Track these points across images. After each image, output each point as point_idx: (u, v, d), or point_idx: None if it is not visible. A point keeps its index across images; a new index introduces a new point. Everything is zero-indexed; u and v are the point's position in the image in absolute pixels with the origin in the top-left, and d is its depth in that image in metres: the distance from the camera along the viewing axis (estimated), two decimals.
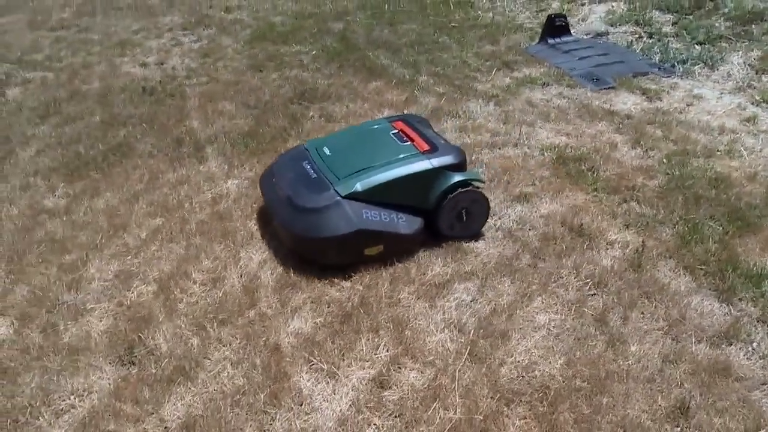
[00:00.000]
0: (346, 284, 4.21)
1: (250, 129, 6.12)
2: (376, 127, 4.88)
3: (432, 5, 9.64)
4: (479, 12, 9.30)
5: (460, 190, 4.37)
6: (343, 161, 4.51)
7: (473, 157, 5.44)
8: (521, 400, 3.40)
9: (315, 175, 4.45)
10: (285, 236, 4.46)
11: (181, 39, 8.97)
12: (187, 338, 3.85)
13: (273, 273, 4.32)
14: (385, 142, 4.62)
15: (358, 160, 4.46)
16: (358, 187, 4.23)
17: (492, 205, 4.64)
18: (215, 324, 3.93)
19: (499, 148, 5.67)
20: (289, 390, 3.51)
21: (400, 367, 3.62)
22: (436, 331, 3.83)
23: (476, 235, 4.61)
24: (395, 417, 3.36)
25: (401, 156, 4.41)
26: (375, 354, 3.71)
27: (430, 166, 4.32)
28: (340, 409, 3.40)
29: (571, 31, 8.46)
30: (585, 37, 8.53)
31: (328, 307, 4.03)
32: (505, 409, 3.35)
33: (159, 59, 8.27)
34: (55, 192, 5.37)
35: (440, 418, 3.31)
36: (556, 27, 8.20)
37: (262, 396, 3.47)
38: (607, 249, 4.44)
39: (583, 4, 9.59)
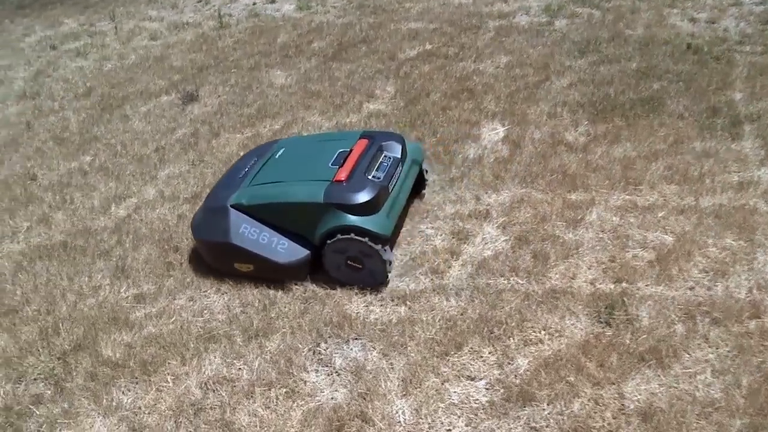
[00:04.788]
0: None
1: None
2: (340, 139, 4.40)
3: None
4: None
5: (339, 236, 3.79)
6: (273, 168, 4.28)
7: None
8: None
9: (241, 175, 4.32)
10: None
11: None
12: (671, 322, 3.51)
13: None
14: (323, 158, 4.15)
15: (281, 171, 4.21)
16: (244, 200, 4.05)
17: None
18: (706, 320, 3.51)
19: None
20: None
21: None
22: None
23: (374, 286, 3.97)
24: None
25: (312, 179, 3.98)
26: None
27: (317, 200, 3.83)
28: None
29: None
30: None
31: None
32: None
33: (711, 17, 7.59)
34: (577, 127, 5.37)
35: None
36: None
37: (737, 422, 2.99)
38: None
39: None
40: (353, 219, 3.78)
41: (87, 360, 3.74)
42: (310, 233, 3.94)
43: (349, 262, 3.92)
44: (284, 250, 3.97)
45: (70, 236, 4.88)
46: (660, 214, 4.28)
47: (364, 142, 4.23)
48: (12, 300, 4.32)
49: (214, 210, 4.16)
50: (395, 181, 4.08)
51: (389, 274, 3.98)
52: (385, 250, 3.83)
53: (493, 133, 5.44)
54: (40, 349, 3.88)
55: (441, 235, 4.33)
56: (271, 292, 4.04)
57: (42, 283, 4.43)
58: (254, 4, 9.87)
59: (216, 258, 4.22)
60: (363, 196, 3.78)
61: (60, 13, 11.04)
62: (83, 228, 4.96)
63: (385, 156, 4.20)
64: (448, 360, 3.45)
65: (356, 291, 3.97)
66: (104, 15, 10.45)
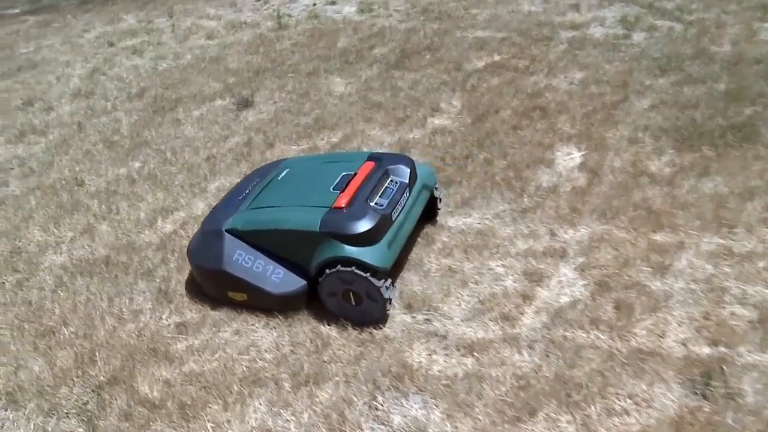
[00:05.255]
0: None
1: None
2: (346, 161, 4.09)
3: None
4: None
5: (339, 267, 3.49)
6: (274, 191, 4.05)
7: None
8: None
9: (241, 197, 4.12)
10: None
11: None
12: None
13: None
14: (326, 182, 3.87)
15: (281, 195, 3.99)
16: (239, 225, 3.83)
17: None
18: None
19: None
20: None
21: None
22: None
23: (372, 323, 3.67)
24: None
25: (311, 205, 3.71)
26: None
27: (313, 229, 3.55)
28: None
29: None
30: None
31: None
32: None
33: None
34: (661, 156, 4.89)
35: None
36: None
37: None
38: None
39: None
40: (350, 250, 3.49)
41: (122, 396, 3.45)
42: (306, 263, 3.68)
43: (344, 295, 3.63)
44: (279, 279, 3.74)
45: (113, 251, 4.63)
46: (760, 264, 3.79)
47: (369, 165, 3.94)
48: (50, 320, 4.08)
49: (209, 234, 3.95)
50: (400, 208, 3.76)
51: (389, 312, 3.66)
52: (383, 281, 3.52)
53: (569, 158, 4.99)
54: (75, 379, 3.61)
55: (512, 274, 3.92)
56: (324, 330, 3.70)
57: (81, 302, 4.18)
58: (314, 5, 9.59)
59: (209, 285, 4.01)
60: (361, 226, 3.50)
61: (120, 9, 10.95)
62: (127, 242, 4.70)
63: (391, 180, 3.89)
64: (521, 428, 3.03)
65: (418, 336, 3.59)
66: (162, 12, 10.30)
